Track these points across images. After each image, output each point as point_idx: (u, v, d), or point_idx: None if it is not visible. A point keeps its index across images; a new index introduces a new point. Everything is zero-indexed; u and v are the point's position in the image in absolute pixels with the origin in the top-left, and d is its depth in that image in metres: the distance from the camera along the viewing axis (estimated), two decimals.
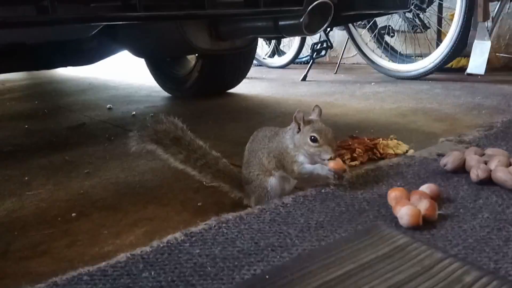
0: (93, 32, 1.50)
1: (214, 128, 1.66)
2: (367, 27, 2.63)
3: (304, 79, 2.71)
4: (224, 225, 0.72)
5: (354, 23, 2.58)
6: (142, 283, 0.56)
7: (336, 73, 2.94)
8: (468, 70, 2.23)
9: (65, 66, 2.18)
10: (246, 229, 0.71)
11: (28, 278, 0.74)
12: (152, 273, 0.58)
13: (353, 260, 0.60)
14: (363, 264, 0.59)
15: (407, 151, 1.21)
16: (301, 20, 1.27)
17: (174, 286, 0.56)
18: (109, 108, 2.16)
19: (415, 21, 2.48)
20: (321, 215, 0.75)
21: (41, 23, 0.91)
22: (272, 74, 3.19)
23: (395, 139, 1.28)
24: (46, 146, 1.59)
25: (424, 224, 0.70)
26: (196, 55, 2.28)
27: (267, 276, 0.57)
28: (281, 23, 1.36)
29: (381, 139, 1.25)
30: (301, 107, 2.00)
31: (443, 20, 2.55)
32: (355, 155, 1.18)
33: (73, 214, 0.98)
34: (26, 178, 1.24)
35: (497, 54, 2.58)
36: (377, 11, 1.57)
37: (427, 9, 2.46)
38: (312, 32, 1.37)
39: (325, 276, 0.57)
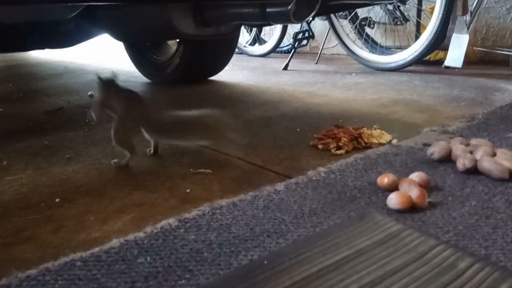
0: (73, 14, 1.45)
1: None
2: (349, 18, 2.64)
3: (285, 68, 2.71)
4: (218, 211, 0.71)
5: (336, 14, 2.58)
6: (138, 268, 0.55)
7: (317, 63, 2.94)
8: (446, 63, 2.28)
9: (43, 48, 2.11)
10: (240, 215, 0.70)
11: (13, 265, 0.72)
12: (148, 258, 0.57)
13: (349, 246, 0.61)
14: (359, 250, 0.60)
15: (390, 141, 1.23)
16: (289, 7, 1.27)
17: (171, 271, 0.55)
18: (91, 95, 2.11)
19: (396, 13, 2.50)
20: (314, 202, 0.76)
21: (20, 1, 0.87)
22: (253, 63, 3.17)
23: (378, 129, 1.29)
24: (24, 130, 1.54)
25: (415, 212, 0.72)
26: (178, 40, 2.24)
27: (265, 262, 0.57)
28: (268, 10, 1.35)
29: (365, 128, 1.27)
30: (285, 96, 2.00)
31: (422, 13, 2.59)
32: (341, 144, 1.19)
33: (57, 200, 0.95)
34: (5, 162, 1.20)
35: (474, 48, 2.64)
36: (363, 1, 1.58)
37: (407, 2, 2.49)
38: (299, 20, 1.36)
39: (322, 262, 0.57)
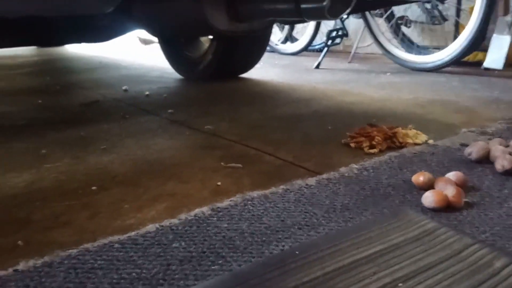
0: (111, 9, 1.48)
1: (229, 111, 1.66)
2: (384, 16, 2.60)
3: (317, 66, 2.69)
4: (249, 202, 0.72)
5: (371, 12, 2.55)
6: (173, 252, 0.56)
7: (350, 62, 2.92)
8: (485, 64, 2.21)
9: (79, 42, 2.17)
10: (271, 207, 0.71)
11: (52, 247, 0.75)
12: (183, 244, 0.58)
13: (382, 241, 0.60)
14: (392, 245, 0.59)
15: (426, 141, 1.20)
16: (324, 3, 1.26)
17: (204, 257, 0.56)
18: (125, 90, 2.15)
19: (434, 12, 2.45)
20: (346, 197, 0.75)
21: None
22: (284, 61, 3.17)
23: (413, 129, 1.27)
24: (61, 121, 1.59)
25: (450, 211, 0.70)
26: (211, 37, 2.26)
27: (297, 252, 0.57)
28: (303, 6, 1.34)
29: (400, 128, 1.25)
30: (316, 94, 1.99)
31: (461, 12, 2.52)
32: (374, 142, 1.18)
33: (93, 188, 0.98)
34: (43, 151, 1.25)
35: None
36: None
37: (446, 0, 2.43)
38: (334, 16, 1.35)
39: (355, 255, 0.57)
